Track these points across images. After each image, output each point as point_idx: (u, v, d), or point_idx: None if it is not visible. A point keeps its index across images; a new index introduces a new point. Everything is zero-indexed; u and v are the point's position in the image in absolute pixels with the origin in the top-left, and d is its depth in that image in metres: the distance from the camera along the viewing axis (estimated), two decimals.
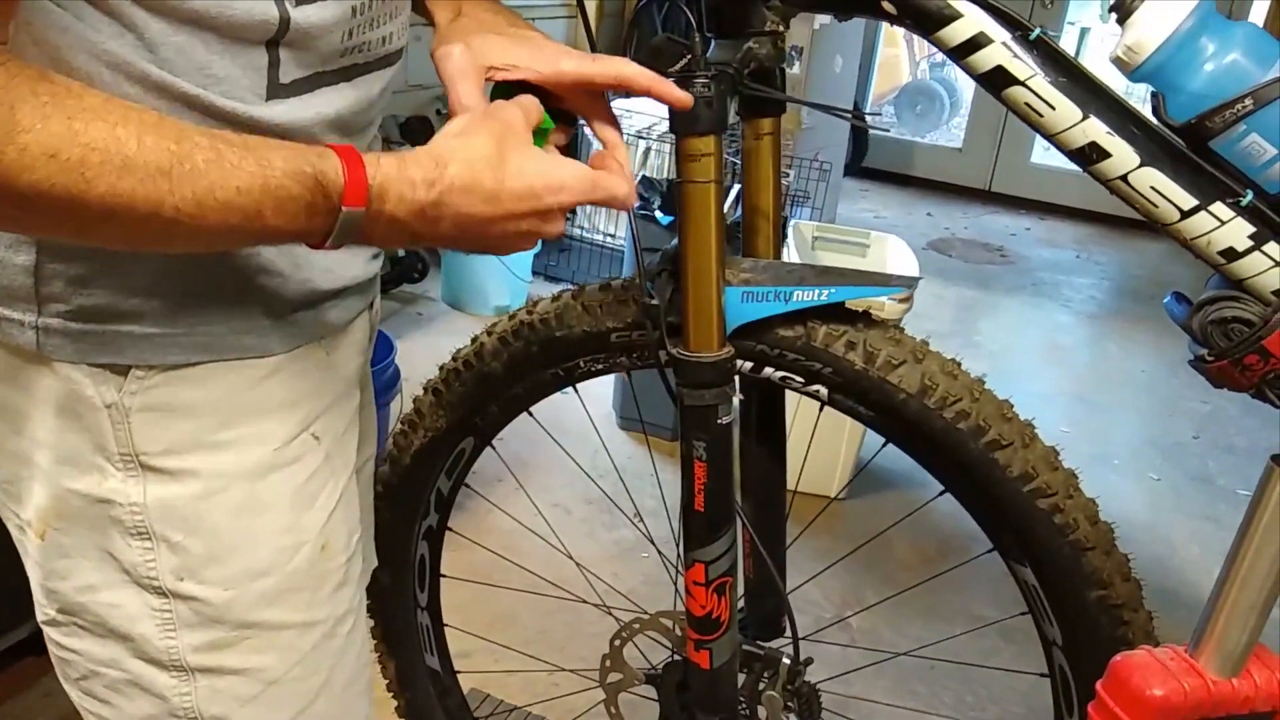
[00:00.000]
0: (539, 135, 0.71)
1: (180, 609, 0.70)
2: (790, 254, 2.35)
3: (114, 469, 0.66)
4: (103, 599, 0.70)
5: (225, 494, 0.69)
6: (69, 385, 0.65)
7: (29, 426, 0.67)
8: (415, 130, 3.50)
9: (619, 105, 0.83)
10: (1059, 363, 3.49)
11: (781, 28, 0.83)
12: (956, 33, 0.75)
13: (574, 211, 3.50)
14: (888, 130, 5.92)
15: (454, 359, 1.03)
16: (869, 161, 5.55)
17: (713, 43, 0.83)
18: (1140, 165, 0.74)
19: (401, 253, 3.21)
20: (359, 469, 0.88)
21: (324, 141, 0.65)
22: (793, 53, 3.59)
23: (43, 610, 0.73)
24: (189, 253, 0.61)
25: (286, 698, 0.75)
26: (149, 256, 0.63)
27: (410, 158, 0.62)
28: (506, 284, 3.20)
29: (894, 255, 2.47)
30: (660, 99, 0.76)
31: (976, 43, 0.75)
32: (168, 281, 0.64)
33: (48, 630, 0.74)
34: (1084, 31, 6.75)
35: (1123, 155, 0.74)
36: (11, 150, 0.49)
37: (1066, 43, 5.90)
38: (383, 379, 1.92)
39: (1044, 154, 5.32)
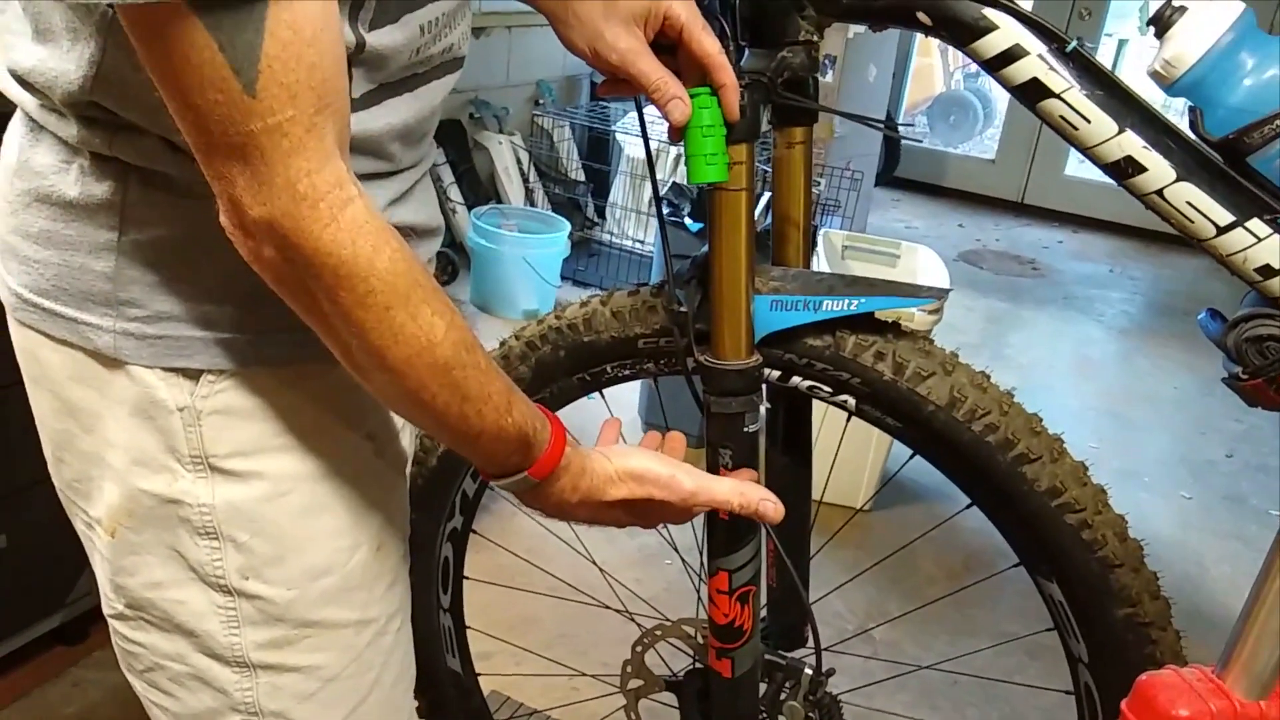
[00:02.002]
0: (708, 98, 0.77)
1: (245, 607, 0.71)
2: (820, 263, 2.34)
3: (184, 470, 0.68)
4: (170, 595, 0.71)
5: (290, 496, 0.70)
6: (143, 388, 0.66)
7: (101, 427, 0.68)
8: (447, 134, 3.53)
9: (650, 113, 0.84)
10: (1089, 378, 3.45)
11: (815, 37, 0.83)
12: (992, 44, 0.75)
13: (603, 215, 3.47)
14: (920, 141, 5.89)
15: None
16: (901, 171, 5.52)
17: (746, 51, 0.83)
18: (1176, 180, 0.73)
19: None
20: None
21: (390, 149, 0.69)
22: (826, 62, 3.58)
23: (110, 604, 0.75)
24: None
25: (342, 694, 0.77)
26: (221, 264, 0.65)
27: (590, 470, 0.73)
28: (535, 288, 3.21)
29: (924, 266, 2.46)
30: (726, 96, 0.77)
31: (1012, 55, 0.75)
32: (238, 288, 0.66)
33: (114, 624, 0.76)
34: (1122, 43, 6.68)
35: (1159, 170, 0.74)
36: (373, 280, 0.56)
37: (1104, 55, 5.85)
38: None
39: (1078, 166, 5.28)
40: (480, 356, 0.64)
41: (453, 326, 0.61)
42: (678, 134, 0.78)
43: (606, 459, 0.75)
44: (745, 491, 0.79)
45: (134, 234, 0.64)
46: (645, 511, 0.77)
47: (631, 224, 3.76)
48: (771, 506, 0.79)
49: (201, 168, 0.55)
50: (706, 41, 0.76)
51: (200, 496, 0.68)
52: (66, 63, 0.59)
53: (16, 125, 0.68)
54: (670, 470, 0.76)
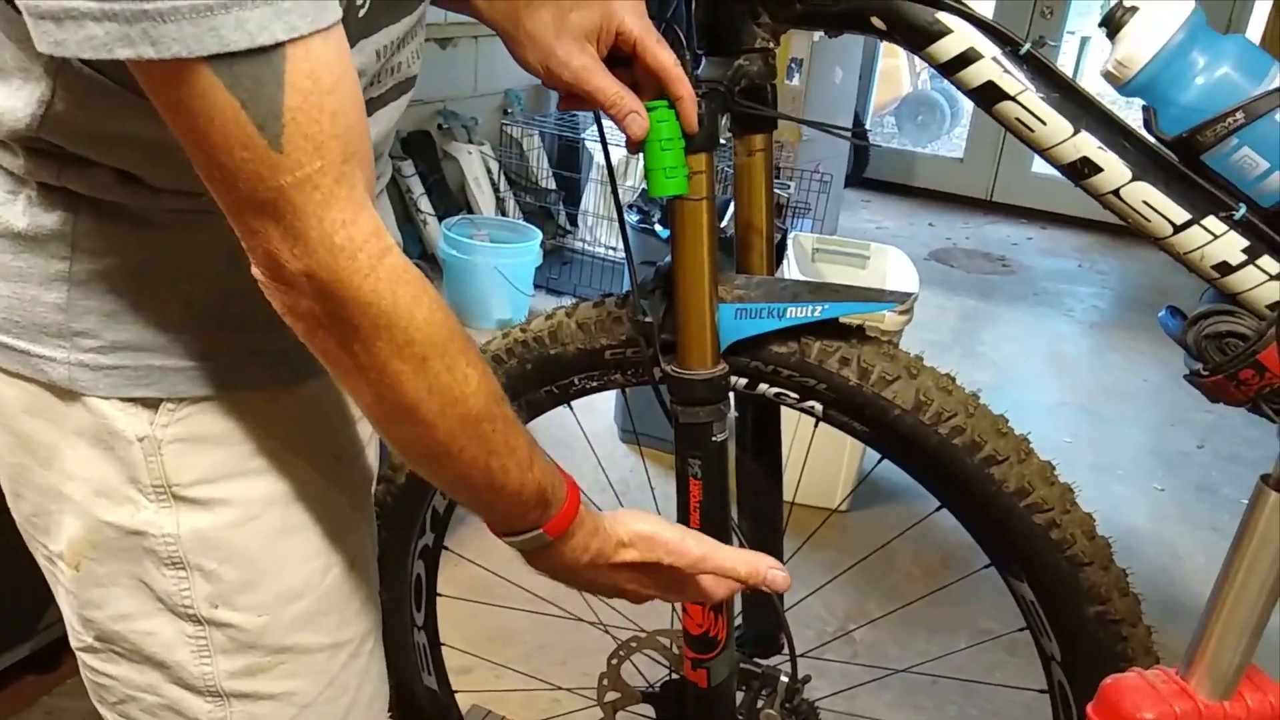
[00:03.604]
0: (665, 111, 0.77)
1: (215, 635, 0.70)
2: (790, 266, 2.34)
3: (146, 501, 0.67)
4: (138, 627, 0.70)
5: (257, 521, 0.70)
6: (101, 419, 0.65)
7: (59, 460, 0.67)
8: (416, 145, 3.52)
9: (610, 125, 0.84)
10: (1062, 373, 3.48)
11: (772, 45, 0.83)
12: (946, 48, 0.75)
13: (575, 223, 3.46)
14: (879, 146, 5.92)
15: None
16: (870, 172, 5.55)
17: (703, 60, 0.83)
18: (1132, 180, 0.74)
19: None
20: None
21: None
22: (793, 65, 3.59)
23: (78, 638, 0.74)
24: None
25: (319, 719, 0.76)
26: (177, 291, 0.65)
27: (601, 529, 0.72)
28: (509, 298, 3.20)
29: (894, 267, 2.47)
30: (683, 108, 0.77)
31: (966, 58, 0.75)
32: (196, 315, 0.65)
33: (84, 656, 0.74)
34: (1084, 41, 6.75)
35: (1114, 170, 0.74)
36: (412, 330, 0.56)
37: (1066, 52, 5.90)
38: None
39: (1045, 164, 5.31)
40: (507, 409, 0.63)
41: (484, 378, 0.61)
42: (637, 147, 0.78)
43: (616, 520, 0.74)
44: (752, 561, 0.78)
45: (86, 264, 0.63)
46: (653, 577, 0.76)
47: (604, 231, 3.76)
48: (780, 576, 0.78)
49: (231, 223, 0.54)
50: (661, 54, 0.76)
51: (164, 527, 0.67)
52: (14, 100, 0.58)
53: None
54: (680, 535, 0.75)
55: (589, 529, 0.71)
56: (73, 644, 0.75)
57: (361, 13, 0.59)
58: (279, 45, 0.48)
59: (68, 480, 0.67)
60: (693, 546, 0.75)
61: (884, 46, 5.80)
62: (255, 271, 0.56)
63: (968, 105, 6.15)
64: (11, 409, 0.67)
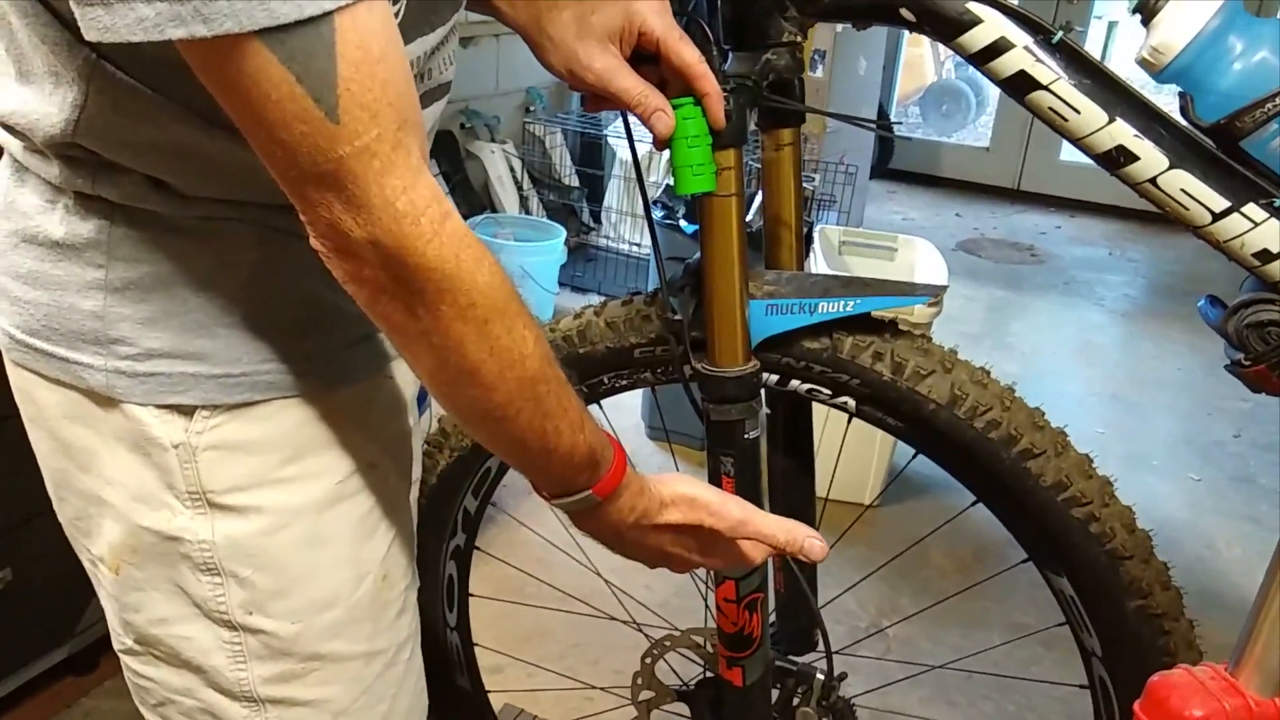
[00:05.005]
0: (692, 109, 0.77)
1: (250, 642, 0.71)
2: (817, 259, 2.33)
3: (182, 507, 0.67)
4: (175, 631, 0.71)
5: (290, 529, 0.70)
6: (138, 425, 0.66)
7: (98, 465, 0.68)
8: (439, 145, 3.53)
9: (636, 123, 0.84)
10: (1093, 363, 3.44)
11: (799, 38, 0.83)
12: (976, 38, 0.74)
13: (599, 220, 3.44)
14: (907, 139, 5.87)
15: None
16: (896, 163, 5.51)
17: (730, 55, 0.82)
18: (1169, 168, 0.73)
19: None
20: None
21: None
22: (816, 57, 3.57)
23: (119, 640, 0.75)
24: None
25: None
26: (211, 299, 0.65)
27: (647, 490, 0.73)
28: (534, 296, 3.20)
29: (922, 258, 2.45)
30: (709, 105, 0.77)
31: (997, 48, 0.74)
32: (229, 323, 0.66)
33: (125, 658, 0.75)
34: (1111, 25, 6.66)
35: (1151, 158, 0.73)
36: (474, 293, 0.57)
37: (1094, 37, 5.83)
38: None
39: (1073, 151, 5.18)
40: (559, 371, 0.64)
41: (539, 340, 0.62)
42: (663, 144, 0.77)
43: (661, 482, 0.75)
44: (791, 529, 0.78)
45: (121, 272, 0.63)
46: (694, 539, 0.76)
47: (628, 227, 3.75)
48: (818, 545, 0.78)
49: (290, 197, 0.54)
50: (685, 52, 0.75)
51: (199, 533, 0.68)
52: (49, 106, 0.59)
53: (3, 168, 0.68)
54: (721, 498, 0.76)
55: (635, 489, 0.72)
56: (115, 645, 0.76)
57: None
58: (327, 15, 0.48)
59: (107, 485, 0.68)
60: (734, 510, 0.75)
61: (908, 36, 5.76)
62: (315, 244, 0.56)
63: (993, 94, 6.09)
64: (53, 414, 0.68)
